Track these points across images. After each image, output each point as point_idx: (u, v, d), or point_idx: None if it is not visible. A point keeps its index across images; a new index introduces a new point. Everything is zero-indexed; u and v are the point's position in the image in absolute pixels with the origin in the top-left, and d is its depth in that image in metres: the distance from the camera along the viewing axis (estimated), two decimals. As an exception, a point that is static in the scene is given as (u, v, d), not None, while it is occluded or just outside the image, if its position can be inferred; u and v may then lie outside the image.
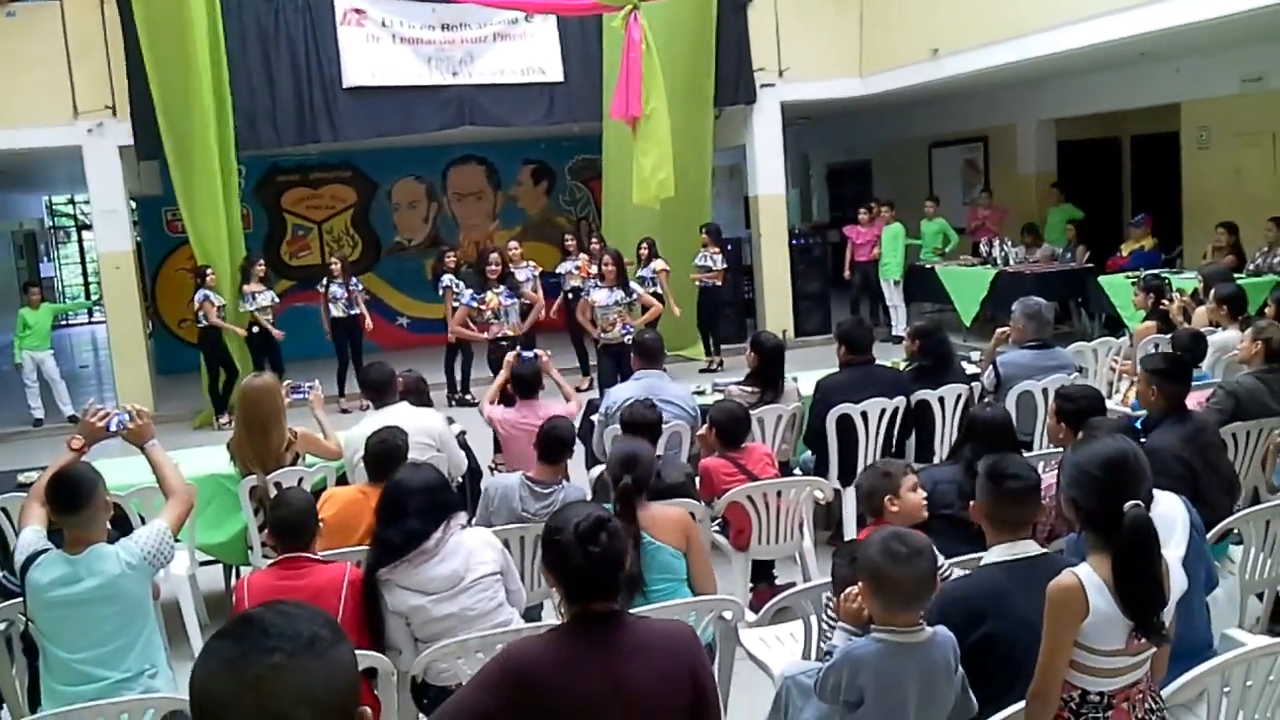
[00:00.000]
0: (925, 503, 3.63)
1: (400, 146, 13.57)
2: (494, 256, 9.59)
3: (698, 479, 4.88)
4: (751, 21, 12.38)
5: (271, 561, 3.68)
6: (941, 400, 5.79)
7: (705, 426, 5.08)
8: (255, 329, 10.69)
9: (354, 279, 11.25)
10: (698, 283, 11.41)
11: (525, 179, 15.83)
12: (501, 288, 9.37)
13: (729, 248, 13.15)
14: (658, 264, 10.68)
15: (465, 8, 11.14)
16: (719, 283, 11.50)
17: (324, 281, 11.10)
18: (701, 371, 11.01)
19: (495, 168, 15.60)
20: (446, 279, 10.90)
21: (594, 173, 14.99)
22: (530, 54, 11.69)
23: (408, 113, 11.50)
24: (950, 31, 10.99)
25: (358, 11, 11.17)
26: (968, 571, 3.14)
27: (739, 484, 4.77)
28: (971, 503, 3.08)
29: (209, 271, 10.62)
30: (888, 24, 12.32)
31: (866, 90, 12.77)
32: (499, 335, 9.21)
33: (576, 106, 11.91)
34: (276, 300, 11.10)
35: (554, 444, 4.55)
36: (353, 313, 11.03)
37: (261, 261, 11.06)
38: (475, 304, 9.31)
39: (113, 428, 3.73)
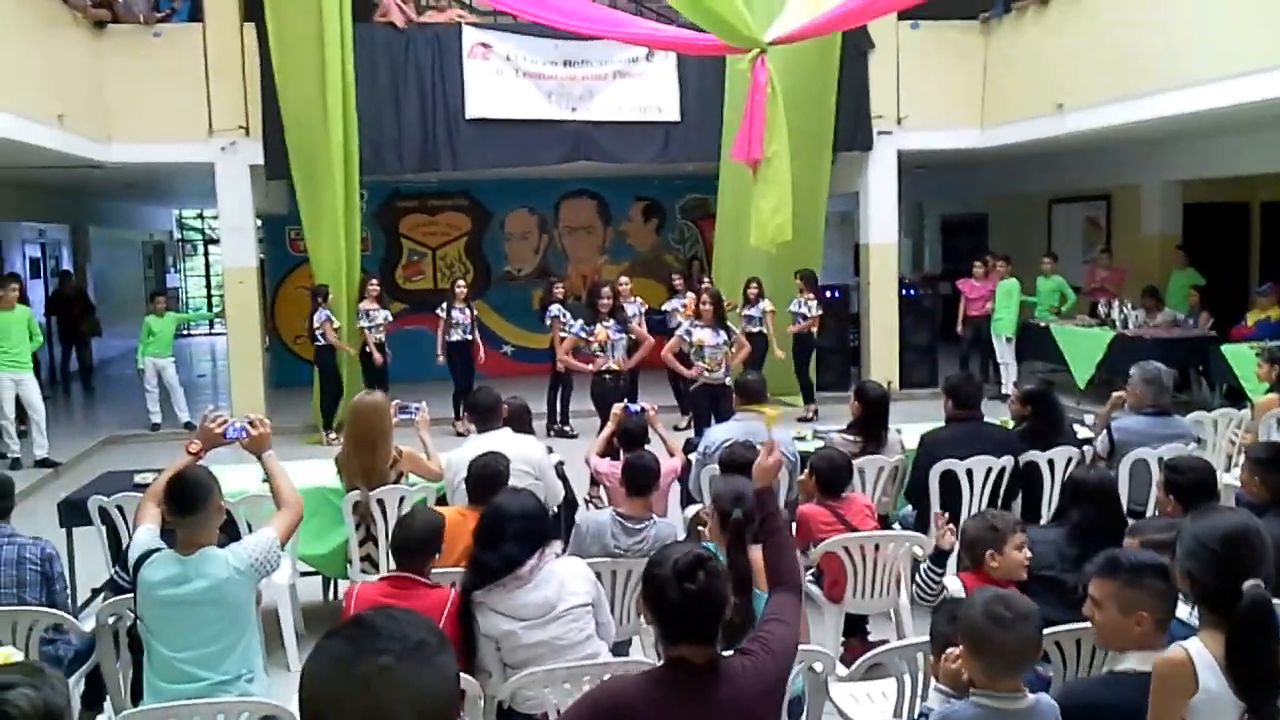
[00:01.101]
0: (1027, 563, 3.55)
1: (516, 178, 13.84)
2: (606, 290, 9.66)
3: (794, 525, 4.83)
4: (872, 69, 12.35)
5: (383, 575, 3.75)
6: (1051, 463, 5.63)
7: (805, 473, 5.02)
8: (366, 349, 10.96)
9: (471, 304, 11.46)
10: (790, 330, 11.37)
11: (636, 215, 15.98)
12: (611, 321, 9.44)
13: (835, 295, 13.09)
14: (765, 304, 10.67)
15: (588, 45, 11.35)
16: (813, 330, 11.42)
17: (444, 305, 11.33)
18: (800, 420, 10.89)
19: (607, 203, 15.79)
20: (555, 309, 11.03)
21: (704, 212, 15.07)
22: (648, 92, 11.84)
23: (526, 145, 11.73)
24: (1076, 86, 10.78)
25: (484, 46, 11.49)
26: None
27: (836, 533, 4.70)
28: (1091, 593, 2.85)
29: (329, 292, 10.94)
30: (1011, 76, 12.15)
31: (986, 142, 12.59)
32: (603, 368, 9.28)
33: (691, 146, 12.01)
34: (390, 319, 11.37)
35: (641, 474, 4.57)
36: (469, 337, 11.24)
37: (375, 281, 11.35)
38: (584, 335, 9.39)
39: (230, 435, 3.84)
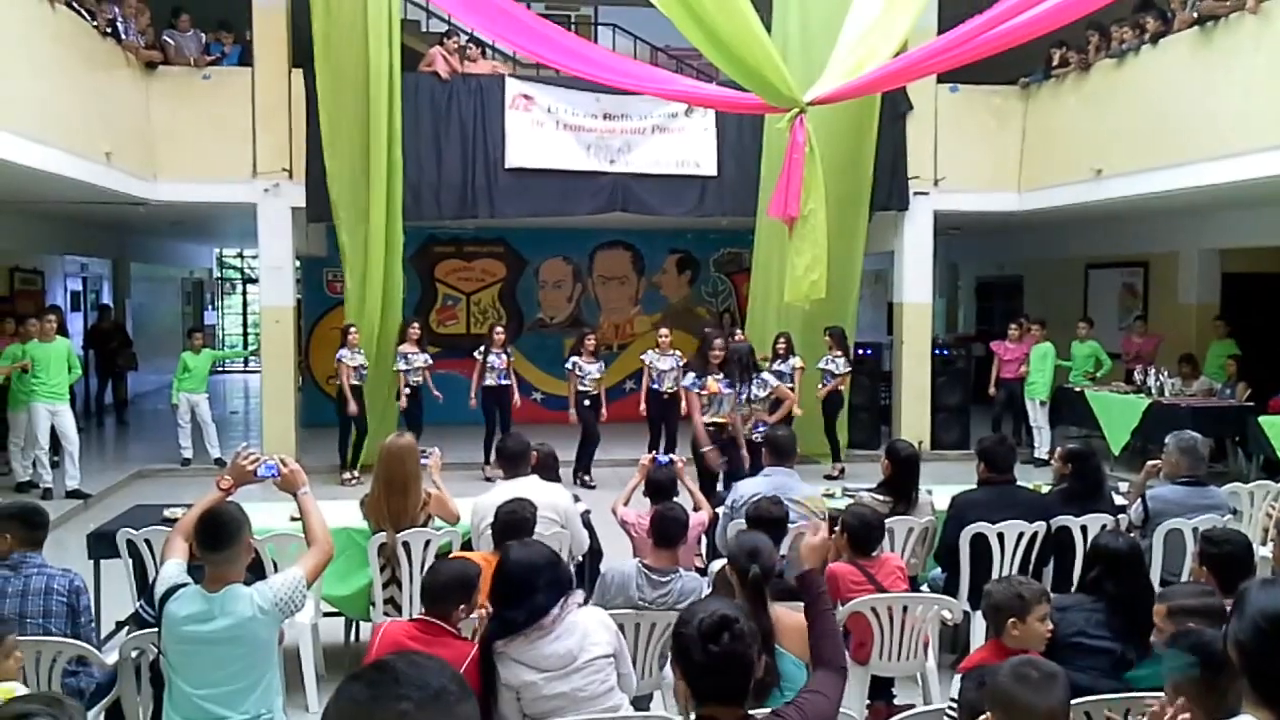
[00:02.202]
0: (1049, 636, 3.52)
1: (552, 227, 13.94)
2: (718, 343, 9.24)
3: (821, 583, 4.76)
4: (910, 130, 12.42)
5: (413, 617, 3.73)
6: (1085, 529, 5.55)
7: (837, 530, 4.97)
8: (407, 390, 11.00)
9: (508, 350, 11.49)
10: (820, 386, 11.34)
11: (670, 267, 16.04)
12: (720, 375, 9.20)
13: (868, 353, 13.06)
14: (795, 360, 10.63)
15: (628, 99, 11.48)
16: (841, 388, 11.41)
17: (482, 348, 11.35)
18: (826, 478, 10.77)
19: (641, 254, 15.86)
20: (571, 360, 11.06)
21: (738, 266, 15.11)
22: (686, 147, 11.96)
23: (563, 196, 11.86)
24: (1116, 153, 10.77)
25: (526, 97, 11.67)
26: None
27: (865, 593, 4.64)
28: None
29: (352, 330, 11.02)
30: (1051, 141, 12.17)
31: (1023, 206, 12.59)
32: (709, 423, 9.10)
33: (727, 200, 12.11)
34: (430, 362, 11.40)
35: (671, 525, 4.56)
36: (504, 383, 11.26)
37: (416, 325, 11.43)
38: (696, 389, 9.13)
39: (261, 473, 3.85)
